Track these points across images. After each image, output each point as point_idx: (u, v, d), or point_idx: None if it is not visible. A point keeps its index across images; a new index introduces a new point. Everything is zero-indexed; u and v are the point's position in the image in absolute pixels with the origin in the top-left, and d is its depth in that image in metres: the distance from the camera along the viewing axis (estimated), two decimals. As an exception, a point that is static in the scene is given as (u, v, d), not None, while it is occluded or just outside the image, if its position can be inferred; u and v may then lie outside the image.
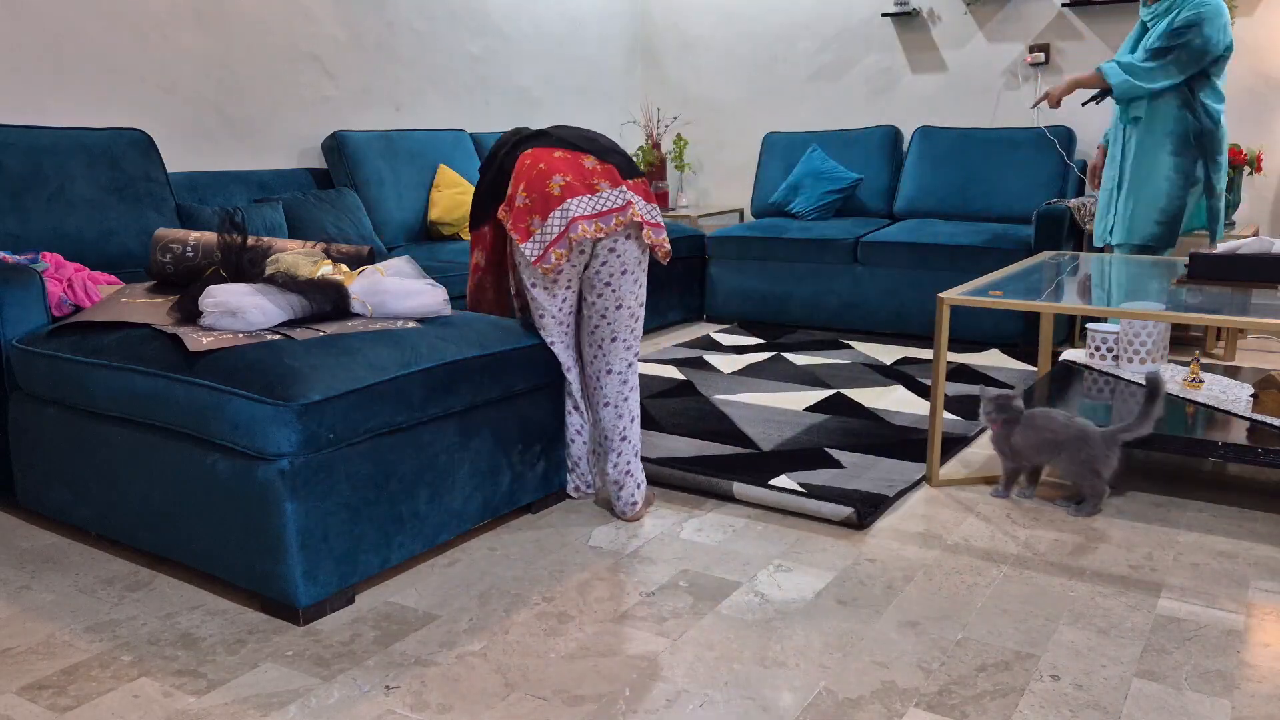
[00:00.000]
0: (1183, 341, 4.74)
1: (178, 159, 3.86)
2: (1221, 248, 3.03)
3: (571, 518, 2.64)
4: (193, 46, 3.87)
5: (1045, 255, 3.60)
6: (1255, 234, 4.60)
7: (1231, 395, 2.94)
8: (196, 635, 2.04)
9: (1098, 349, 3.33)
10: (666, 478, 2.84)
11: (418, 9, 4.76)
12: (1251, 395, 2.91)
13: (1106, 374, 3.21)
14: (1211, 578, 2.26)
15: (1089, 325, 3.38)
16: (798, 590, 2.21)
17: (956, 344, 4.58)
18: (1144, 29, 3.76)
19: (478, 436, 2.40)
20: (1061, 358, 3.45)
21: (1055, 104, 3.83)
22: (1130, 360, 3.22)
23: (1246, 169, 4.52)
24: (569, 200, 2.38)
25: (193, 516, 2.18)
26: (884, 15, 5.45)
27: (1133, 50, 3.75)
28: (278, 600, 2.08)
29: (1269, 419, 2.70)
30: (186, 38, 3.84)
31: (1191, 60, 3.54)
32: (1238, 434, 2.60)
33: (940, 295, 2.74)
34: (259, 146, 4.15)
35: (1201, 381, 3.02)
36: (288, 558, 2.03)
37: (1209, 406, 2.84)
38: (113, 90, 3.63)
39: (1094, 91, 4.40)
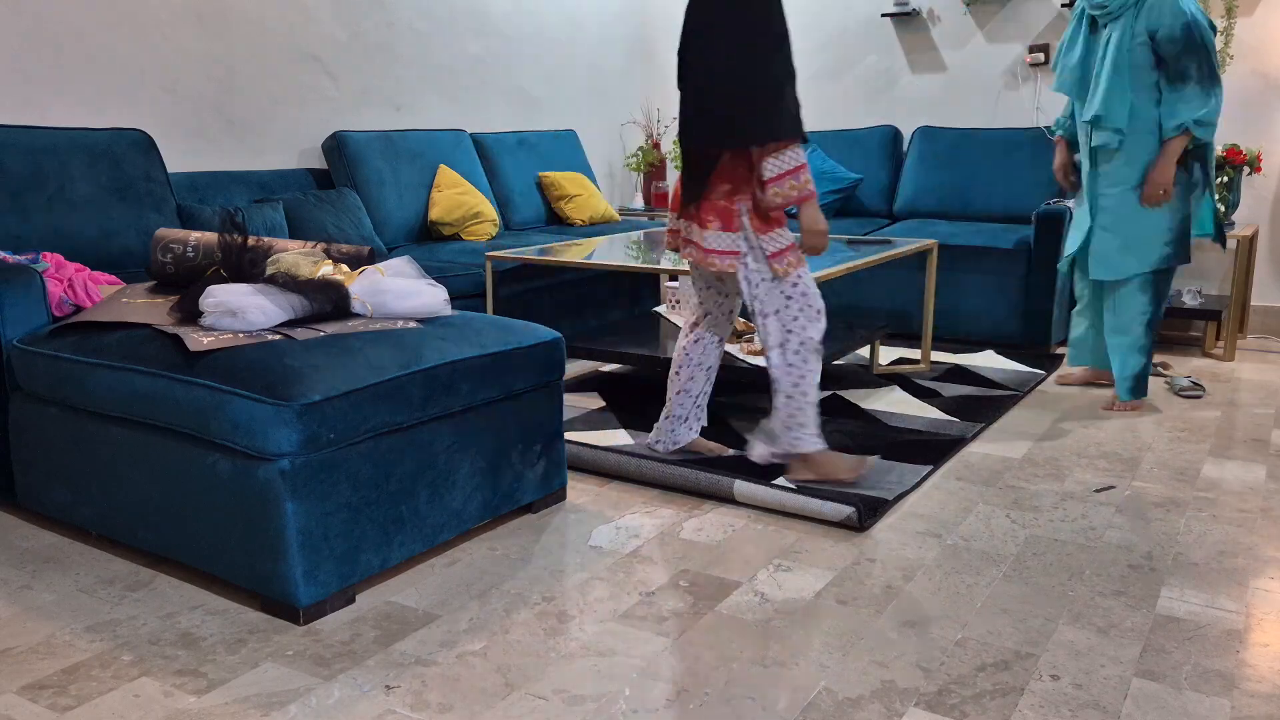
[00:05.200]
0: (1183, 342, 4.74)
1: (178, 159, 3.87)
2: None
3: (571, 518, 2.64)
4: (193, 46, 3.87)
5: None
6: (1255, 235, 4.60)
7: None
8: (197, 635, 2.04)
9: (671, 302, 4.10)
10: (667, 478, 2.83)
11: (418, 9, 4.76)
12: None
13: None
14: (1211, 578, 2.26)
15: (668, 284, 4.12)
16: (798, 590, 2.21)
17: (955, 344, 4.58)
18: (1091, 24, 3.41)
19: (478, 436, 2.40)
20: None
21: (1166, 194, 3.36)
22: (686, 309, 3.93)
23: (1246, 169, 4.52)
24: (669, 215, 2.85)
25: (193, 516, 2.18)
26: (884, 15, 5.45)
27: (1078, 46, 3.40)
28: (278, 600, 2.08)
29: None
30: (187, 38, 3.84)
31: (1213, 61, 3.22)
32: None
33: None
34: (259, 146, 4.15)
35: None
36: (288, 557, 2.03)
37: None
38: (113, 90, 3.64)
39: None
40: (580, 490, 2.85)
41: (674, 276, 4.46)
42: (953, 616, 2.09)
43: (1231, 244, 4.74)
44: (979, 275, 4.52)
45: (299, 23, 4.23)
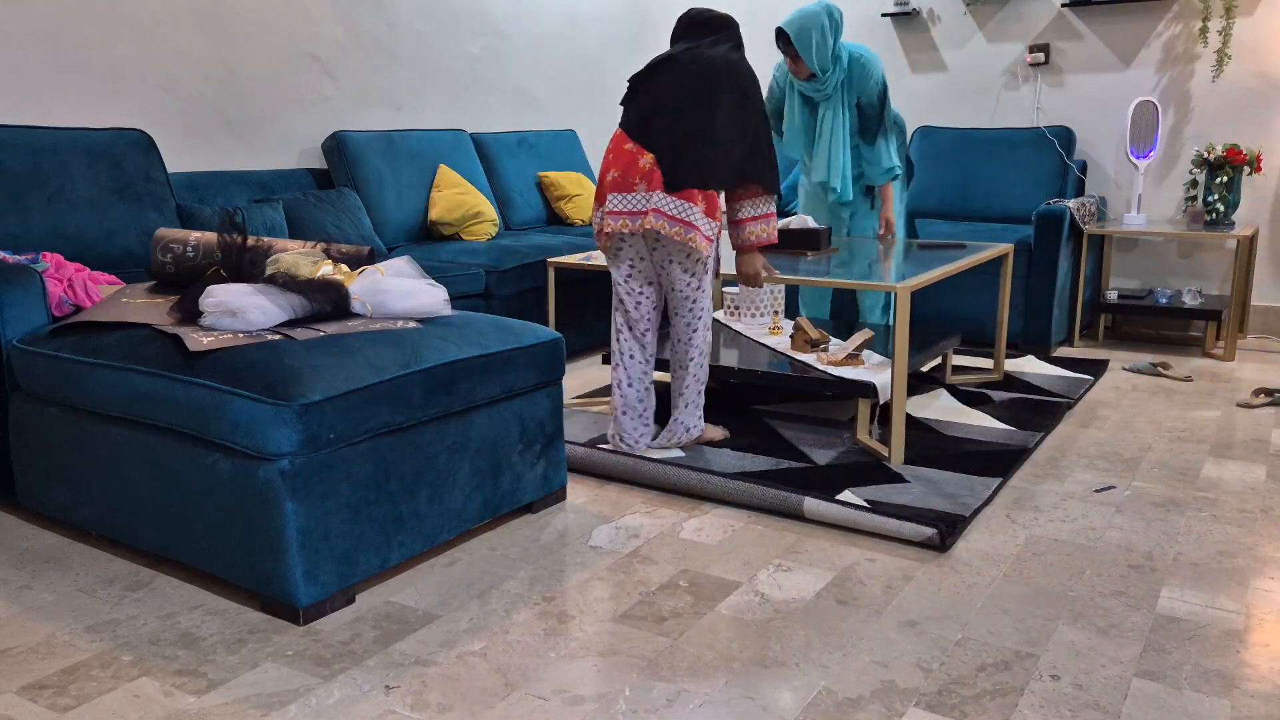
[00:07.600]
0: (1183, 342, 4.74)
1: (178, 159, 3.87)
2: (781, 224, 3.78)
3: (571, 518, 2.64)
4: (193, 46, 3.87)
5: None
6: (1255, 234, 4.60)
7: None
8: (197, 635, 2.04)
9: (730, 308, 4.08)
10: (726, 492, 2.71)
11: (418, 9, 4.76)
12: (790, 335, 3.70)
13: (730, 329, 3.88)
14: (1211, 578, 2.26)
15: (725, 289, 4.11)
16: (798, 590, 2.21)
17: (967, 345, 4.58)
18: (807, 103, 3.87)
19: (478, 436, 2.40)
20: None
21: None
22: (750, 315, 4.02)
23: (1246, 169, 4.52)
24: (609, 196, 2.88)
25: (193, 516, 2.18)
26: (884, 15, 5.45)
27: (807, 128, 3.91)
28: (278, 600, 2.08)
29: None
30: (187, 38, 3.84)
31: (888, 115, 3.87)
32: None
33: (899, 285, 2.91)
34: (259, 146, 4.15)
35: (781, 330, 3.77)
36: (288, 557, 2.03)
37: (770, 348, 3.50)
38: (113, 90, 3.64)
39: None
40: (580, 490, 2.85)
41: (731, 282, 4.44)
42: (953, 616, 2.09)
43: (1231, 244, 4.74)
44: (979, 275, 4.52)
45: (299, 23, 4.23)
